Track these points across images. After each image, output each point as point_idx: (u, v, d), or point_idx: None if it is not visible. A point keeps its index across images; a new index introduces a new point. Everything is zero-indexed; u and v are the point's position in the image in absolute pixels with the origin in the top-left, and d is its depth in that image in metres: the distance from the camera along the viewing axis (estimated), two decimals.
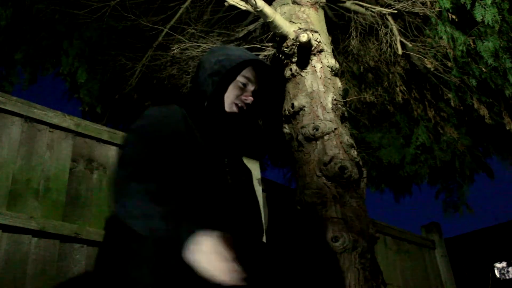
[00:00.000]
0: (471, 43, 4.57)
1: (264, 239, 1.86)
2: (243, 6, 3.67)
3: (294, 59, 3.66)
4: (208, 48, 4.62)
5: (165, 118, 1.65)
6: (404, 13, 4.87)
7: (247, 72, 1.80)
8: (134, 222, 1.34)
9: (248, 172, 1.92)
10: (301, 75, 3.64)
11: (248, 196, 1.81)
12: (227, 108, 1.77)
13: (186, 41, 4.69)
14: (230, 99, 1.77)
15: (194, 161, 1.59)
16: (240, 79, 1.79)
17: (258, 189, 3.72)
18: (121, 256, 1.50)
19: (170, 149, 1.55)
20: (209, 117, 1.73)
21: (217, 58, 1.77)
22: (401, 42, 4.87)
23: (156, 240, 1.32)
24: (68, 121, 2.86)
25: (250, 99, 1.79)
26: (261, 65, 1.85)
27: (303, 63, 3.66)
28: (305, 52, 3.64)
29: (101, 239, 2.69)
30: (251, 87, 1.81)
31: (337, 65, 3.79)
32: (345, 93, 5.42)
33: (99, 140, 2.99)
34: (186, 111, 1.75)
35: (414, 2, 4.56)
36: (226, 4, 3.67)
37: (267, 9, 3.54)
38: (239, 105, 1.78)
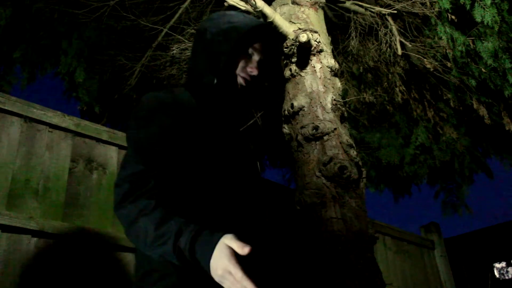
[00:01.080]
0: (471, 44, 4.58)
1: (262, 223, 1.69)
2: (242, 6, 3.67)
3: (294, 59, 3.66)
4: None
5: (164, 106, 1.48)
6: (404, 13, 4.87)
7: (253, 41, 1.62)
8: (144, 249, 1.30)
9: (253, 151, 1.77)
10: (301, 75, 3.64)
11: (254, 176, 1.68)
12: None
13: (186, 41, 4.68)
14: (236, 72, 1.61)
15: (203, 146, 1.47)
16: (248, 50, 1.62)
17: None
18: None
19: (173, 139, 1.43)
20: (219, 95, 1.58)
21: (219, 28, 1.59)
22: (401, 43, 4.87)
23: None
24: (67, 121, 2.86)
25: (255, 71, 1.60)
26: (267, 30, 1.67)
27: (303, 63, 3.66)
28: (304, 52, 3.64)
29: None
30: (256, 57, 1.62)
31: (337, 65, 3.79)
32: (344, 93, 5.42)
33: (98, 140, 2.99)
34: (190, 92, 1.60)
35: (413, 2, 4.56)
36: (225, 4, 3.67)
37: (266, 9, 3.54)
38: (245, 78, 1.60)
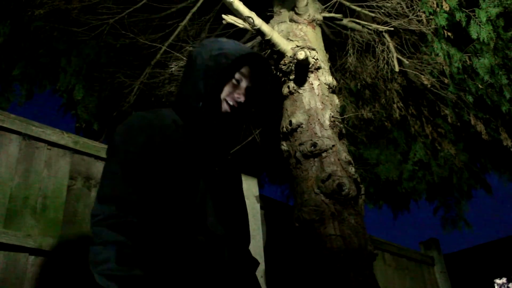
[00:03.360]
0: (467, 60, 4.60)
1: (249, 248, 1.77)
2: (240, 24, 3.70)
3: (292, 77, 3.68)
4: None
5: (148, 128, 1.55)
6: (401, 30, 4.92)
7: (242, 68, 1.68)
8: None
9: (238, 177, 1.84)
10: (299, 92, 3.66)
11: (237, 204, 1.74)
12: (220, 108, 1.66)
13: (184, 58, 4.70)
14: (222, 97, 1.65)
15: (182, 169, 1.53)
16: (235, 75, 1.67)
17: (256, 206, 3.71)
18: None
19: (153, 161, 1.50)
20: (203, 119, 1.61)
21: (210, 54, 1.64)
22: (398, 59, 4.91)
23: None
24: (66, 139, 2.86)
25: (242, 98, 1.66)
26: (257, 59, 1.73)
27: (301, 81, 3.68)
28: (302, 70, 3.66)
29: None
30: (244, 84, 1.68)
31: (335, 82, 3.81)
32: (342, 110, 5.44)
33: (97, 157, 2.99)
34: (177, 114, 1.66)
35: (410, 19, 4.60)
36: (224, 22, 3.70)
37: (264, 27, 3.57)
38: (231, 104, 1.65)
